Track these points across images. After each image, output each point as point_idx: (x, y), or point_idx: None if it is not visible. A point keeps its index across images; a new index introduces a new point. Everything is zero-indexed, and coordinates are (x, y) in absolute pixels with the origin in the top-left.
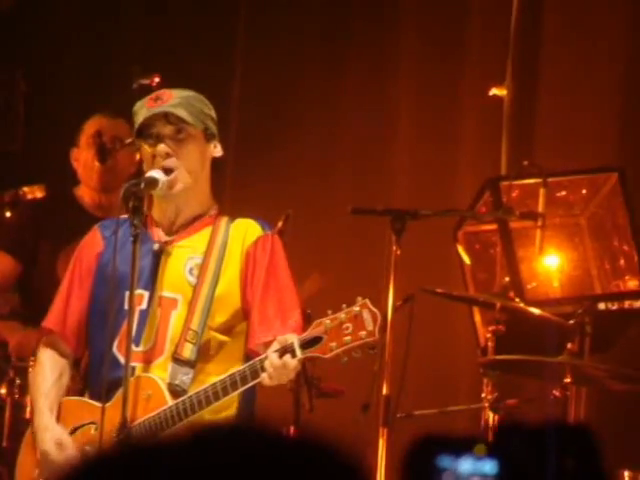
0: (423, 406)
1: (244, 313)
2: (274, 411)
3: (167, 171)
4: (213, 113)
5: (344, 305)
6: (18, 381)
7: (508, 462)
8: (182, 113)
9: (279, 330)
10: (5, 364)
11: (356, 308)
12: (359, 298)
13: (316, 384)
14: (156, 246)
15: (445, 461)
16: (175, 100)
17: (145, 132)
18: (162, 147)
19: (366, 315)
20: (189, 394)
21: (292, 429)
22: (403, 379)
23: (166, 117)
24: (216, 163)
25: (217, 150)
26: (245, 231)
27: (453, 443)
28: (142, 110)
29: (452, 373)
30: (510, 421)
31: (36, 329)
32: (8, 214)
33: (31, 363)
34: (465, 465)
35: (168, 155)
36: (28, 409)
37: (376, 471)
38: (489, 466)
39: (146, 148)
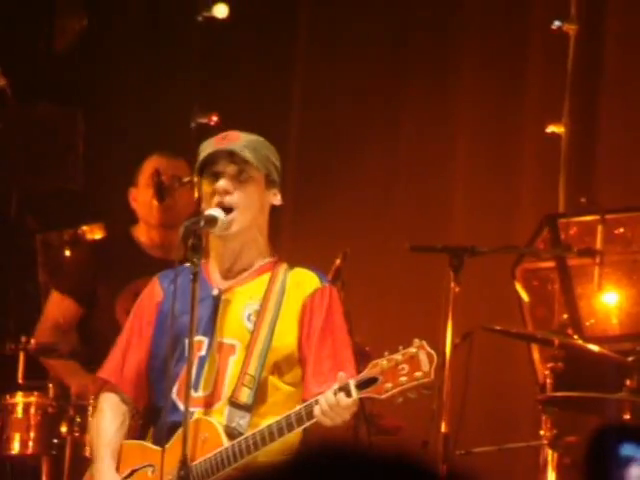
0: (482, 443)
1: (299, 362)
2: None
3: (226, 210)
4: (278, 162)
5: (400, 347)
6: (78, 419)
7: None
8: (247, 155)
9: (332, 383)
10: (65, 402)
11: (413, 349)
12: (416, 340)
13: (375, 421)
14: (215, 292)
15: (629, 449)
16: (242, 142)
17: (207, 169)
18: (222, 183)
19: (422, 356)
20: (245, 435)
21: None
22: (462, 416)
23: (231, 156)
24: (275, 211)
25: (277, 199)
26: (303, 280)
27: (635, 432)
28: (208, 147)
29: (511, 410)
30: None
31: (95, 373)
32: (68, 253)
33: (91, 402)
34: None
35: (227, 192)
36: (87, 448)
37: None
38: None
39: (206, 185)
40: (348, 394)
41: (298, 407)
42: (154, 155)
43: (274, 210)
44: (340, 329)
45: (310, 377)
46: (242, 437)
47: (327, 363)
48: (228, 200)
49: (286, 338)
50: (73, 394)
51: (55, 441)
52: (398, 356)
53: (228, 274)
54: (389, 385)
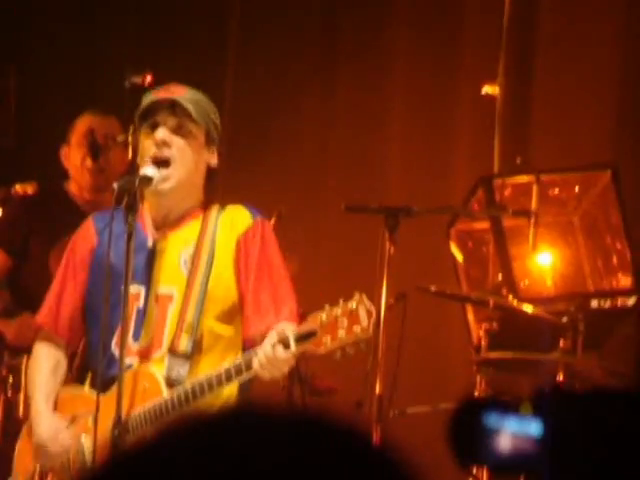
0: (416, 404)
1: (239, 302)
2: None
3: (162, 163)
4: (218, 121)
5: (341, 300)
6: (11, 379)
7: (552, 423)
8: (189, 107)
9: (273, 319)
10: None
11: (352, 304)
12: (356, 293)
13: (309, 382)
14: (150, 242)
15: (491, 420)
16: (186, 95)
17: (147, 119)
18: (161, 132)
19: (361, 311)
20: (184, 386)
21: None
22: (396, 377)
23: (172, 108)
24: (212, 172)
25: (213, 158)
26: (235, 219)
27: (499, 403)
28: (150, 97)
29: (445, 371)
30: (554, 384)
31: (30, 315)
32: (0, 210)
33: (24, 361)
34: (510, 424)
35: (165, 144)
36: (21, 407)
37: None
38: (534, 426)
39: (144, 135)
40: (287, 346)
41: (237, 359)
42: (87, 113)
43: (210, 171)
44: (276, 263)
45: (250, 314)
46: (181, 387)
47: (266, 299)
48: (165, 153)
49: (224, 280)
50: (10, 340)
51: None
52: (337, 310)
53: (162, 223)
54: (327, 339)
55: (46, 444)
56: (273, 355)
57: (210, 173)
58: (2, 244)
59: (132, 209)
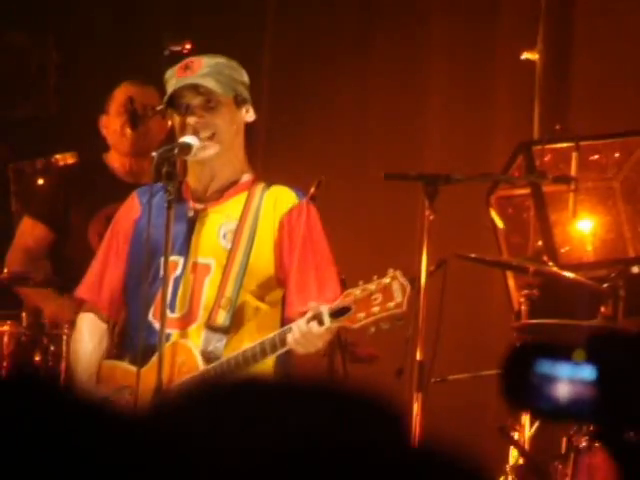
0: (457, 371)
1: (278, 281)
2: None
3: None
4: (245, 77)
5: (375, 276)
6: (52, 348)
7: (607, 368)
8: (210, 83)
9: (316, 300)
10: (39, 331)
11: (386, 280)
12: (390, 270)
13: (350, 349)
14: (191, 212)
15: (544, 366)
16: (204, 70)
17: (176, 102)
18: (192, 119)
19: (396, 287)
20: (220, 360)
21: None
22: (437, 344)
23: (195, 88)
24: (250, 129)
25: (249, 115)
26: (280, 198)
27: (551, 349)
28: (172, 80)
29: (486, 338)
30: (608, 329)
31: (70, 297)
32: (41, 181)
33: (65, 331)
34: (563, 370)
35: (198, 126)
36: (62, 376)
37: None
38: (588, 371)
39: (176, 117)
40: (321, 322)
41: (272, 334)
42: (126, 82)
43: (249, 127)
44: (321, 245)
45: (293, 295)
46: (217, 362)
47: (310, 280)
48: (201, 134)
49: (263, 257)
50: (47, 318)
51: (29, 370)
52: (372, 286)
53: (204, 194)
54: (362, 315)
55: None
56: (308, 330)
57: (250, 128)
58: (43, 217)
59: (171, 177)
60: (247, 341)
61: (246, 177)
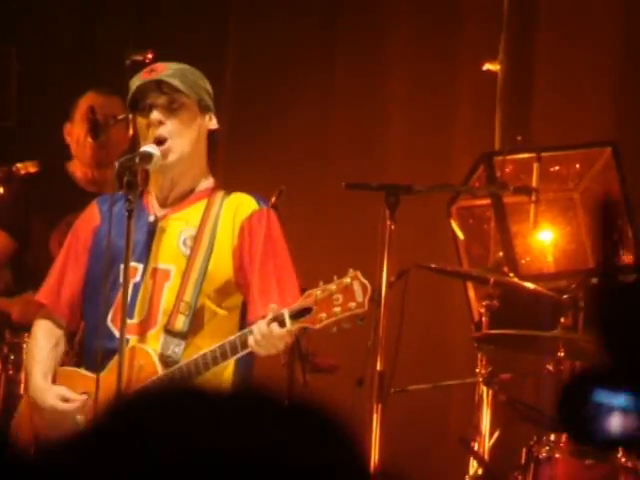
0: (417, 381)
1: (237, 286)
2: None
3: (161, 141)
4: (208, 86)
5: (335, 277)
6: (12, 357)
7: None
8: (175, 82)
9: (277, 304)
10: None
11: (347, 280)
12: (350, 270)
13: (310, 359)
14: (151, 218)
15: (602, 396)
16: (169, 71)
17: (139, 104)
18: (155, 114)
19: (356, 287)
20: (179, 364)
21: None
22: (397, 354)
23: (159, 87)
24: (212, 137)
25: (212, 123)
26: (240, 205)
27: (610, 378)
28: (137, 81)
29: (446, 348)
30: None
31: (33, 293)
32: (1, 190)
33: (25, 339)
34: (621, 400)
35: (161, 123)
36: (22, 385)
37: (370, 446)
38: None
39: (140, 119)
40: (282, 324)
41: (232, 337)
42: (91, 91)
43: (211, 135)
44: (281, 250)
45: (256, 299)
46: (176, 366)
47: (271, 285)
48: (163, 131)
49: (222, 263)
50: (15, 319)
51: None
52: (332, 286)
53: (166, 201)
54: (323, 315)
55: (58, 408)
56: (269, 332)
57: (212, 138)
58: (4, 225)
59: (132, 187)
60: (205, 346)
61: (206, 184)
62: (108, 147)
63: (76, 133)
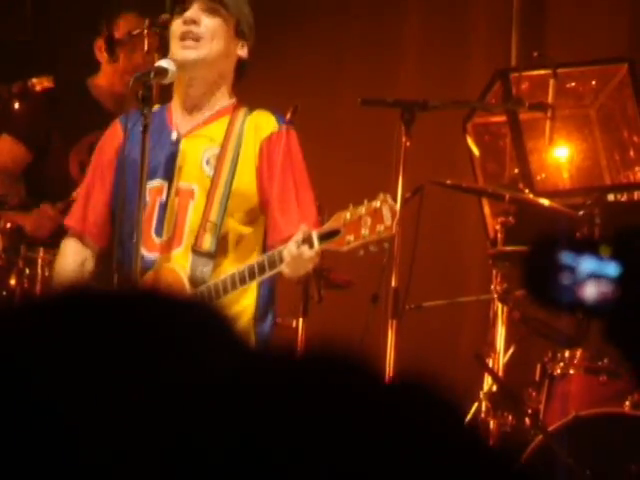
0: (432, 298)
1: (260, 207)
2: (283, 302)
3: (189, 38)
4: (251, 17)
5: (365, 200)
6: (27, 271)
7: (632, 266)
8: None
9: (298, 225)
10: (14, 254)
11: (376, 203)
12: (380, 194)
13: (325, 275)
14: (174, 135)
15: (567, 259)
16: None
17: (178, 7)
18: (191, 11)
19: (385, 210)
20: (207, 283)
21: (301, 320)
22: (412, 271)
23: None
24: (241, 67)
25: (244, 51)
26: (260, 123)
27: (577, 242)
28: None
29: (461, 265)
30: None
31: (48, 206)
32: (17, 105)
33: (41, 254)
34: (587, 265)
35: (195, 22)
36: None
37: (385, 362)
38: (612, 268)
39: (176, 18)
40: (311, 245)
41: (260, 258)
42: (129, 14)
43: (241, 65)
44: (300, 170)
45: (278, 219)
46: (204, 285)
47: (291, 205)
48: (194, 30)
49: (246, 182)
50: (29, 232)
51: (4, 293)
52: (361, 209)
53: (189, 117)
54: (351, 237)
55: None
56: (298, 254)
57: (240, 67)
58: (21, 136)
59: (147, 101)
60: (232, 267)
61: (228, 102)
62: (131, 63)
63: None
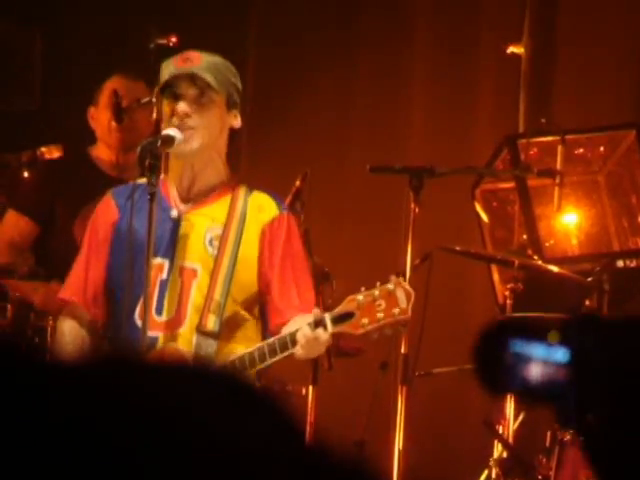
0: (442, 364)
1: (260, 291)
2: (293, 370)
3: (185, 129)
4: (239, 83)
5: (378, 283)
6: (36, 340)
7: (580, 352)
8: (209, 77)
9: (298, 310)
10: (24, 324)
11: (390, 286)
12: (393, 276)
13: (335, 343)
14: (174, 213)
15: (517, 345)
16: (204, 64)
17: (168, 90)
18: (182, 105)
19: (399, 293)
20: (221, 362)
21: (311, 388)
22: (421, 337)
23: (192, 79)
24: (233, 135)
25: (237, 121)
26: (262, 206)
27: (527, 329)
28: (169, 67)
29: (470, 331)
30: (585, 313)
31: (57, 283)
32: (26, 174)
33: (50, 323)
34: (537, 350)
35: (187, 115)
36: None
37: (395, 429)
38: (561, 354)
39: (166, 105)
40: (324, 328)
41: (272, 339)
42: (116, 75)
43: (233, 133)
44: (299, 256)
45: (278, 302)
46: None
47: (291, 291)
48: (187, 123)
49: (248, 264)
50: (37, 306)
51: None
52: (375, 292)
53: (186, 195)
54: (365, 321)
55: None
56: (312, 335)
57: (233, 135)
58: (29, 210)
59: (154, 170)
60: (235, 349)
61: (224, 174)
62: (132, 131)
63: (101, 117)
